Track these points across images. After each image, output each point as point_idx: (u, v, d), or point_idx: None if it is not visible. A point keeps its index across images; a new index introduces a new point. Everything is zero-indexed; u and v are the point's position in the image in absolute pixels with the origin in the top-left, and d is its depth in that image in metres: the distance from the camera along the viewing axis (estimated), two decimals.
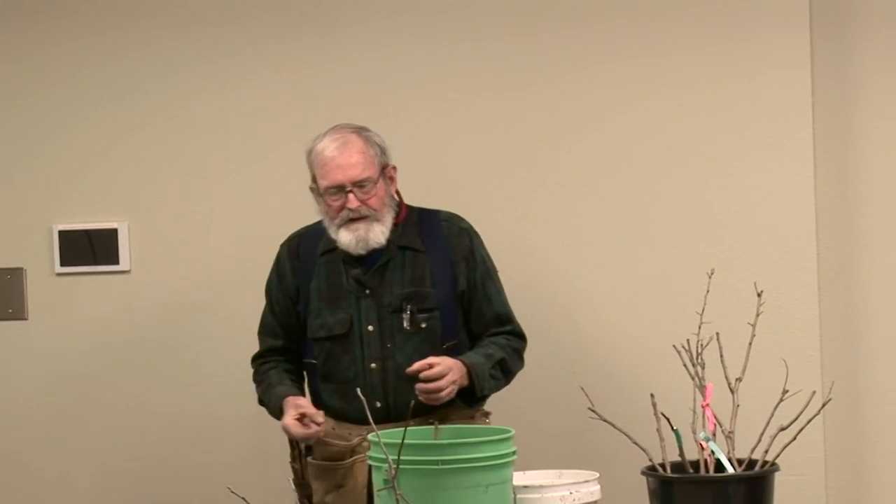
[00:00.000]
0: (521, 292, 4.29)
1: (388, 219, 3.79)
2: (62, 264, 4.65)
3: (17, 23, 4.67)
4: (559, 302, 4.41)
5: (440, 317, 3.78)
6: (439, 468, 2.86)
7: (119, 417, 4.63)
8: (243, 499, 2.85)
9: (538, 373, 4.35)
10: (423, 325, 3.76)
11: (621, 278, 4.41)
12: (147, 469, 4.63)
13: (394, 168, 3.84)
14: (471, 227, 3.90)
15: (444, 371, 3.58)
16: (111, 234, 4.63)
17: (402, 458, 2.68)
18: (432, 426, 3.15)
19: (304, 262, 3.88)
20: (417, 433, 3.04)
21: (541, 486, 3.14)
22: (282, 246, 3.96)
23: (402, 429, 2.73)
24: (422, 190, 4.34)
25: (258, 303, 4.45)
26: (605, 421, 3.32)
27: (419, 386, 3.56)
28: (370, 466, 3.40)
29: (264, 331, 3.97)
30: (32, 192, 4.68)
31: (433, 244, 3.83)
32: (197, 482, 4.58)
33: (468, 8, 4.48)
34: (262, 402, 3.93)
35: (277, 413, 3.80)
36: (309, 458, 3.84)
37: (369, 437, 2.91)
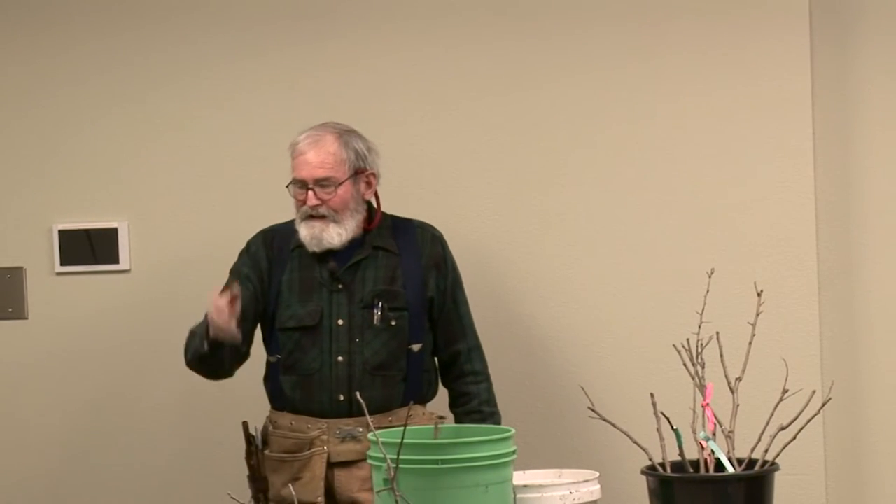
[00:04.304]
0: (520, 293, 4.29)
1: (349, 222, 3.82)
2: (62, 263, 4.65)
3: (19, 26, 4.67)
4: (559, 302, 4.41)
5: (409, 317, 3.84)
6: (439, 467, 2.86)
7: (119, 417, 4.63)
8: None
9: (538, 373, 4.35)
10: (393, 323, 3.83)
11: (621, 278, 4.41)
12: (147, 468, 4.63)
13: (373, 175, 3.86)
14: (442, 236, 3.96)
15: None
16: (111, 234, 4.63)
17: (401, 457, 2.68)
18: (432, 426, 3.15)
19: (277, 254, 3.92)
20: (417, 433, 3.04)
21: (541, 486, 3.14)
22: (255, 235, 3.97)
23: (402, 428, 2.73)
24: (421, 191, 4.35)
25: None
26: (605, 420, 3.31)
27: None
28: (328, 458, 3.74)
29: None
30: (32, 192, 4.68)
31: (406, 248, 3.89)
32: (197, 482, 4.58)
33: (468, 11, 4.47)
34: (187, 348, 3.84)
35: (204, 330, 3.73)
36: (266, 452, 3.88)
37: (369, 436, 2.91)
